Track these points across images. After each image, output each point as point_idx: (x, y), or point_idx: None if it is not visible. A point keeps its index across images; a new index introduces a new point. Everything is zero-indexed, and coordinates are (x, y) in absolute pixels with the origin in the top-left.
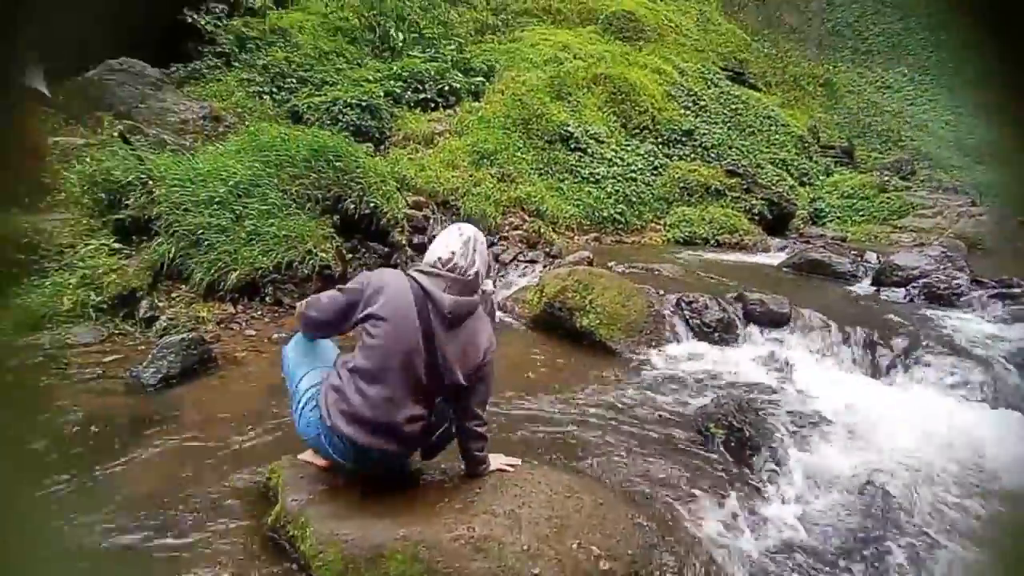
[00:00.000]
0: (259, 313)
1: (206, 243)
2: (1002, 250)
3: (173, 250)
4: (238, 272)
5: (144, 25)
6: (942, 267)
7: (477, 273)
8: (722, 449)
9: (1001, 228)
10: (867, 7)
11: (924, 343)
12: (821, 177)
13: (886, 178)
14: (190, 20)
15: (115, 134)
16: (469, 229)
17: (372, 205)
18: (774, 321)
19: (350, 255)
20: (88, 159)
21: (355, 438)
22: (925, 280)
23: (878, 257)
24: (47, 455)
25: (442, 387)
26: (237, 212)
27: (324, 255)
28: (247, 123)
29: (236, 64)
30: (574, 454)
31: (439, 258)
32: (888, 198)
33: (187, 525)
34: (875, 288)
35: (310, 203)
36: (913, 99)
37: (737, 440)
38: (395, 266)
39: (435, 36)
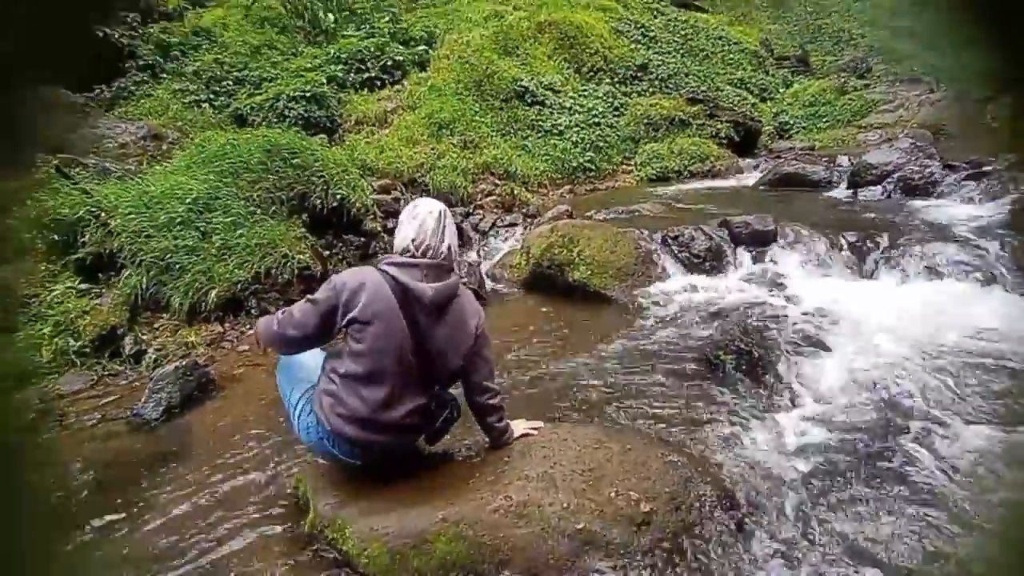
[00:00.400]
0: (247, 327)
1: (177, 267)
2: (966, 132)
3: (144, 280)
4: (217, 290)
5: (57, 48)
6: (913, 158)
7: (449, 247)
8: (735, 374)
9: (962, 111)
10: None
11: (908, 235)
12: (781, 90)
13: (844, 80)
14: (101, 35)
15: (51, 170)
16: (432, 204)
17: (339, 197)
18: (761, 240)
19: (327, 251)
20: (28, 202)
21: (356, 437)
22: (899, 174)
23: (850, 160)
24: (67, 509)
25: (440, 376)
26: (202, 229)
27: (301, 256)
28: (190, 136)
29: (164, 75)
30: (593, 406)
31: (412, 241)
32: (849, 99)
33: (226, 548)
34: (851, 191)
35: (275, 206)
36: None
37: (748, 363)
38: (374, 255)
39: (367, 11)
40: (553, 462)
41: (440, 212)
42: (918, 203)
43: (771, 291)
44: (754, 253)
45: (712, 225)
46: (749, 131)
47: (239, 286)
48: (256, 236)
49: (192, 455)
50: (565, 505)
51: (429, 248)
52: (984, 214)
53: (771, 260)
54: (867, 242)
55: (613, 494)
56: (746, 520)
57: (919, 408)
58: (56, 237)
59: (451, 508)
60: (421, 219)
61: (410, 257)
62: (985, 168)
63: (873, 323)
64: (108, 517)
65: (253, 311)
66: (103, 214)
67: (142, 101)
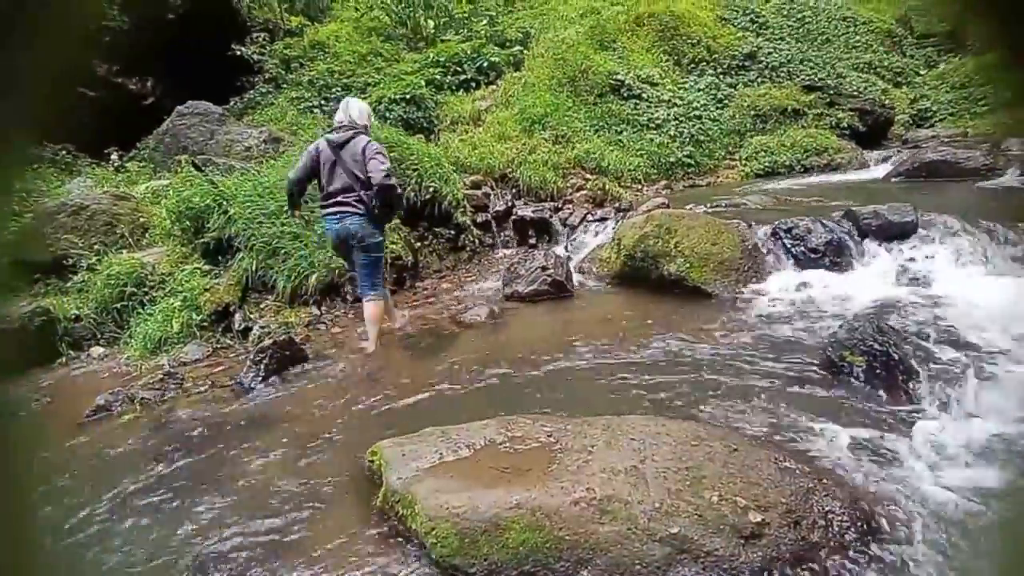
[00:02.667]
0: (341, 311)
1: (283, 251)
2: None
3: (254, 263)
4: (317, 275)
5: (200, 67)
6: None
7: (350, 119)
8: (864, 378)
9: None
10: None
11: None
12: (922, 72)
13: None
14: (239, 54)
15: (189, 167)
16: (346, 100)
17: (431, 190)
18: (896, 233)
19: (418, 243)
20: (171, 193)
21: (330, 215)
22: None
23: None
24: (177, 460)
25: (356, 178)
26: (306, 217)
27: (394, 246)
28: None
29: (285, 85)
30: (690, 402)
31: (336, 122)
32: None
33: (302, 515)
34: None
35: None
36: None
37: (883, 365)
38: (463, 248)
39: (465, 15)
40: (644, 456)
41: (346, 101)
42: None
43: (911, 289)
44: (888, 247)
45: (833, 218)
46: (877, 120)
47: (336, 272)
48: None
49: (280, 423)
50: (657, 505)
51: (342, 123)
52: None
53: (911, 255)
54: None
55: (715, 498)
56: (886, 548)
57: None
58: (189, 223)
59: (527, 494)
60: (340, 110)
61: (334, 129)
62: None
63: None
64: (194, 468)
65: (348, 297)
66: (224, 202)
67: (266, 110)
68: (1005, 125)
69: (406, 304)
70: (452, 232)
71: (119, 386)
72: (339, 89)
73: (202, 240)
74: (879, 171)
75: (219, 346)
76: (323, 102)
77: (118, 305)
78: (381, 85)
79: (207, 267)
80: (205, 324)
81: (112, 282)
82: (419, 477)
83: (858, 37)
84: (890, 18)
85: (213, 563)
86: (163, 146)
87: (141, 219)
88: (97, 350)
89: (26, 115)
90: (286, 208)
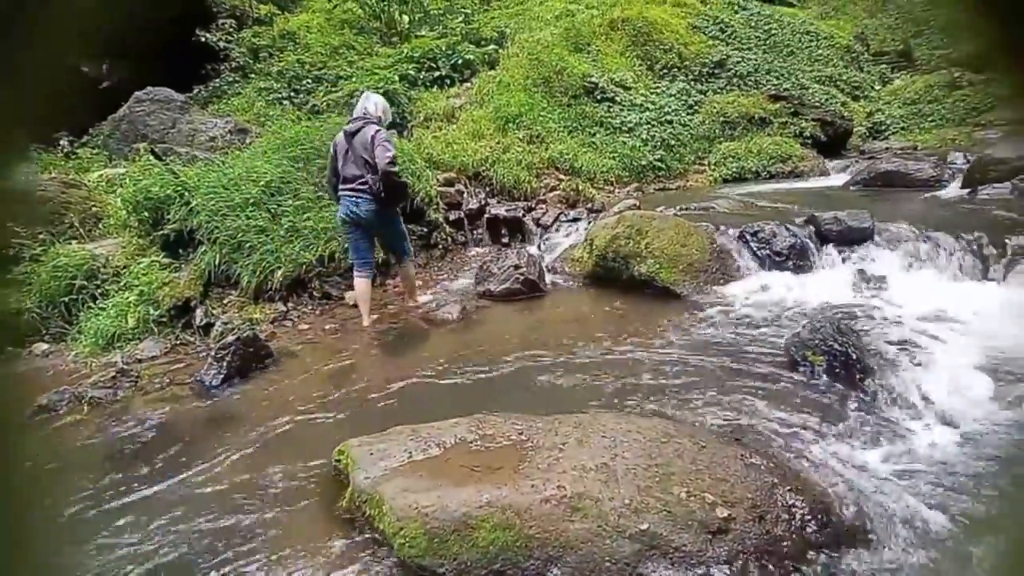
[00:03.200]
0: (309, 308)
1: (248, 246)
2: None
3: (217, 257)
4: (283, 270)
5: (161, 52)
6: None
7: (365, 110)
8: (826, 377)
9: None
10: None
11: None
12: (876, 87)
13: (957, 74)
14: (204, 39)
15: (148, 155)
16: (365, 94)
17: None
18: (854, 238)
19: None
20: (128, 182)
21: (344, 195)
22: None
23: (966, 156)
24: (130, 463)
25: (365, 163)
26: (273, 211)
27: None
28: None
29: (253, 75)
30: (661, 400)
31: (355, 114)
32: (964, 95)
33: (265, 517)
34: (968, 190)
35: None
36: None
37: (842, 365)
38: (436, 245)
39: (440, 12)
40: (614, 453)
41: (364, 95)
42: None
43: (868, 292)
44: (846, 252)
45: (797, 223)
46: (837, 131)
47: (304, 268)
48: (323, 220)
49: (243, 422)
50: (627, 501)
51: (357, 115)
52: None
53: (868, 259)
54: (990, 243)
55: (684, 494)
56: (845, 541)
57: None
58: (147, 214)
59: (498, 493)
60: (359, 103)
61: (351, 120)
62: None
63: (990, 328)
64: (152, 470)
65: (315, 293)
66: (186, 193)
67: (232, 99)
68: (950, 140)
69: (376, 301)
70: (424, 229)
71: (66, 385)
72: (309, 81)
73: (161, 232)
74: (839, 179)
75: (178, 342)
76: (292, 94)
77: (66, 299)
78: (353, 79)
79: (166, 260)
80: (163, 319)
81: (59, 274)
82: (387, 476)
83: (820, 51)
84: (848, 35)
85: (171, 571)
86: (119, 133)
87: (93, 208)
88: (40, 347)
89: (22, 108)
90: (252, 200)
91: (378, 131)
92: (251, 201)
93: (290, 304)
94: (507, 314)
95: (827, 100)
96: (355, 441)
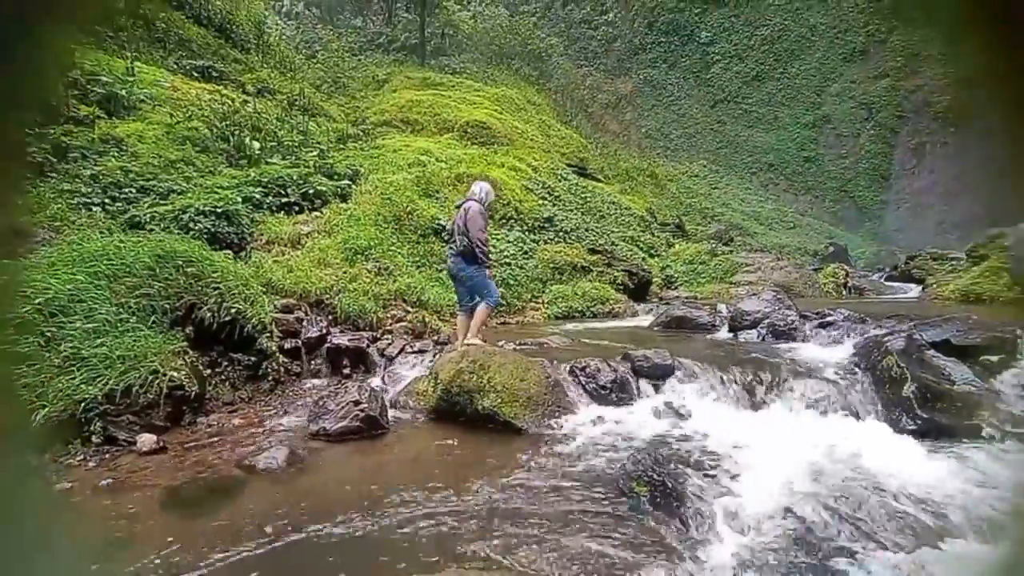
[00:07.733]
0: (81, 457)
1: None
2: (807, 291)
3: None
4: (48, 409)
5: None
6: (777, 308)
7: (474, 192)
8: (649, 507)
9: (801, 274)
10: (667, 117)
11: (786, 372)
12: (665, 249)
13: (713, 245)
14: None
15: None
16: (478, 182)
17: (233, 311)
18: (661, 373)
19: (208, 370)
20: None
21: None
22: (768, 320)
23: (728, 308)
24: None
25: (461, 230)
26: (47, 335)
27: (175, 373)
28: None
29: (52, 174)
30: (502, 547)
31: (469, 194)
32: (720, 261)
33: None
34: (732, 333)
35: (155, 315)
36: (715, 184)
37: (662, 494)
38: (265, 376)
39: (295, 144)
40: None
41: (478, 180)
42: (786, 345)
43: (676, 421)
44: (656, 385)
45: (616, 359)
46: (641, 280)
47: (82, 405)
48: (121, 347)
49: None
50: None
51: (471, 193)
52: (835, 356)
53: (672, 391)
54: (754, 377)
55: None
56: None
57: (829, 535)
58: None
59: None
60: (475, 186)
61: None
62: (829, 318)
63: (773, 451)
64: None
65: (95, 437)
66: None
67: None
68: (716, 293)
69: (180, 444)
70: (252, 359)
71: None
72: (133, 191)
73: None
74: (646, 320)
75: None
76: (108, 200)
77: None
78: (189, 194)
79: None
80: None
81: None
82: None
83: (624, 217)
84: (642, 208)
85: None
86: None
87: None
88: None
89: (22, 135)
90: (16, 320)
91: (472, 205)
92: (15, 321)
93: (48, 455)
94: (343, 458)
95: (631, 255)
96: None
